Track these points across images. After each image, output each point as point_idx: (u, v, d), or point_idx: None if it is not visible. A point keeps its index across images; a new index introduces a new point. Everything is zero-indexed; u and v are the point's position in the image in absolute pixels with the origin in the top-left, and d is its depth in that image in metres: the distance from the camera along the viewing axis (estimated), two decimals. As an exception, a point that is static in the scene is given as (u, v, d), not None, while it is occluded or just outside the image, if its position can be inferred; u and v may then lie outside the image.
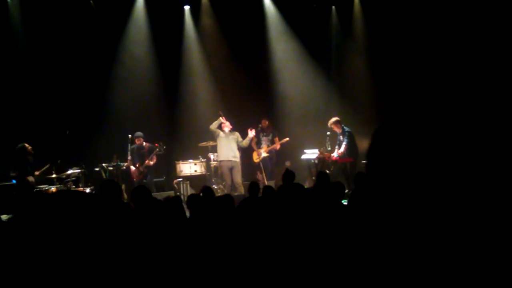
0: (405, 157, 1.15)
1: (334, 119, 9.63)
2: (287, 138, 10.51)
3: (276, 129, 10.77)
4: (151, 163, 9.72)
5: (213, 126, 9.49)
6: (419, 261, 1.16)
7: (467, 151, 1.15)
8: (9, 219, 5.66)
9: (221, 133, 9.57)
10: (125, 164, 9.64)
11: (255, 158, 10.53)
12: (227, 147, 9.52)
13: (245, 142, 9.66)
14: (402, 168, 1.16)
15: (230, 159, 9.49)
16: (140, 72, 11.03)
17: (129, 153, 9.67)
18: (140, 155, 9.73)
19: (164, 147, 9.88)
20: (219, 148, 9.65)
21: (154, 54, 11.21)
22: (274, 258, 2.93)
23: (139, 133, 9.74)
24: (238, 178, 9.48)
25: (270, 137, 10.56)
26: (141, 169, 9.68)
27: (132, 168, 9.69)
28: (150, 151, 9.73)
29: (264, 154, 10.47)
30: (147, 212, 4.36)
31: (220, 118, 9.48)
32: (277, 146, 10.48)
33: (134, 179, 9.63)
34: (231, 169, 9.50)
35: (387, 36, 11.02)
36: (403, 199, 1.15)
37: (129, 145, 9.65)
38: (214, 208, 4.24)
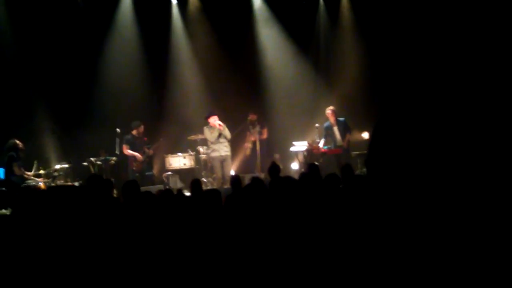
0: (405, 152, 1.16)
1: (331, 107, 9.90)
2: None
3: (265, 121, 10.73)
4: (151, 152, 9.73)
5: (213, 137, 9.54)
6: (416, 258, 1.17)
7: (465, 147, 1.16)
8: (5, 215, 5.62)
9: (209, 129, 9.59)
10: (113, 158, 9.54)
11: (246, 152, 10.61)
12: (217, 141, 9.54)
13: (227, 134, 9.67)
14: (402, 164, 1.16)
15: (222, 154, 9.53)
16: (127, 65, 10.93)
17: (125, 143, 9.55)
18: (137, 145, 9.67)
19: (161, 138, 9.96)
20: (210, 145, 9.66)
21: (141, 48, 11.14)
22: (265, 253, 2.93)
23: (138, 122, 9.70)
24: (229, 171, 9.51)
25: (258, 129, 10.54)
26: (143, 157, 9.62)
27: (137, 155, 9.57)
28: (147, 141, 9.74)
29: (249, 145, 10.53)
30: (137, 206, 4.35)
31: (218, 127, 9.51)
32: (264, 136, 10.46)
33: (134, 168, 9.54)
34: (222, 162, 9.53)
35: (375, 27, 11.06)
36: (402, 194, 1.16)
37: (117, 138, 9.56)
38: (201, 203, 4.23)
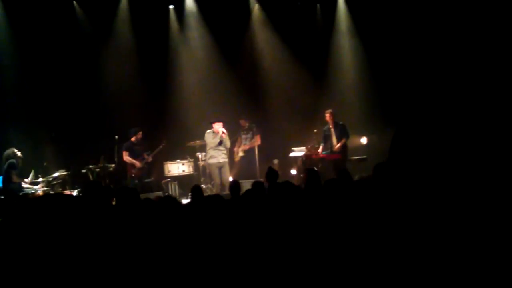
0: (424, 157, 1.16)
1: (330, 109, 9.85)
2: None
3: (258, 127, 10.55)
4: (150, 159, 9.73)
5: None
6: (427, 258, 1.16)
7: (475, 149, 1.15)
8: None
9: (211, 134, 9.58)
10: (112, 165, 9.51)
11: (235, 157, 10.51)
12: (216, 148, 9.53)
13: (228, 144, 9.66)
14: (422, 167, 1.16)
15: (220, 160, 9.53)
16: (126, 72, 10.92)
17: (124, 150, 9.54)
18: (136, 152, 9.65)
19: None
20: (208, 150, 9.64)
21: (139, 54, 11.13)
22: (270, 259, 2.91)
23: (136, 128, 9.69)
24: (227, 177, 9.50)
25: (250, 136, 10.45)
26: (142, 164, 9.60)
27: (135, 162, 9.57)
28: (146, 148, 9.72)
29: (240, 154, 10.45)
30: (135, 213, 4.31)
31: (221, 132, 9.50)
32: (255, 144, 10.28)
33: (133, 175, 9.53)
34: (220, 169, 9.53)
35: (373, 31, 11.08)
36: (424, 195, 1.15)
37: (116, 145, 9.55)
38: (203, 208, 4.20)
